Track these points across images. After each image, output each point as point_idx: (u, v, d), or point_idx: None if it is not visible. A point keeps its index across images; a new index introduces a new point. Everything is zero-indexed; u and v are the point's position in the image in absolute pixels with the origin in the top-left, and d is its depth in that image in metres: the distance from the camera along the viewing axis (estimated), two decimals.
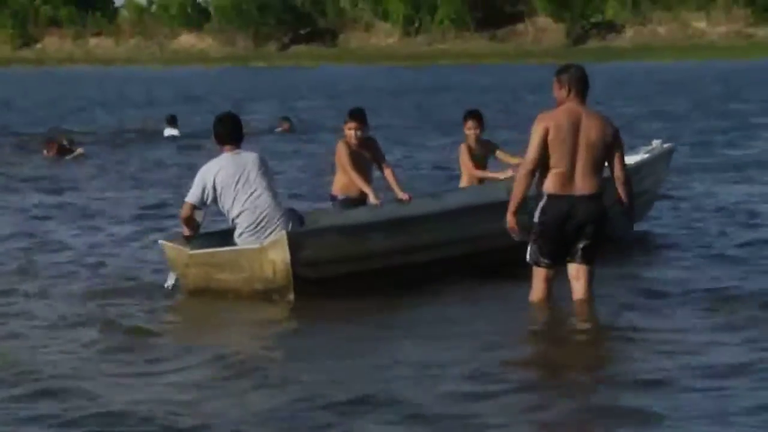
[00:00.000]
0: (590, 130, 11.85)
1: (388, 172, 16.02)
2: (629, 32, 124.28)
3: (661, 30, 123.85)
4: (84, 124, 42.66)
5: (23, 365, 11.01)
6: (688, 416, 9.34)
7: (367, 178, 15.76)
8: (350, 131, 15.70)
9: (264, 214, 13.17)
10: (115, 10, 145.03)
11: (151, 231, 18.22)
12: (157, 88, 72.51)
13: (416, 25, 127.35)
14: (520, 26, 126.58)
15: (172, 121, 36.69)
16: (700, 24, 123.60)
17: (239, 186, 13.11)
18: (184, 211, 13.31)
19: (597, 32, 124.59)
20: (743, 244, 16.64)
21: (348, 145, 15.72)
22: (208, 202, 13.28)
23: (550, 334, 12.32)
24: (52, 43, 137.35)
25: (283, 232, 12.76)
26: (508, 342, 11.83)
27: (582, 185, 11.86)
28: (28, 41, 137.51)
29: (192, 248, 13.41)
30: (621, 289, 13.55)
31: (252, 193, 13.13)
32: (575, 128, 11.78)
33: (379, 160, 15.98)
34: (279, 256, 12.62)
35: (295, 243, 12.56)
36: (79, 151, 30.67)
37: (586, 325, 12.22)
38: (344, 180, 15.75)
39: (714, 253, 16.02)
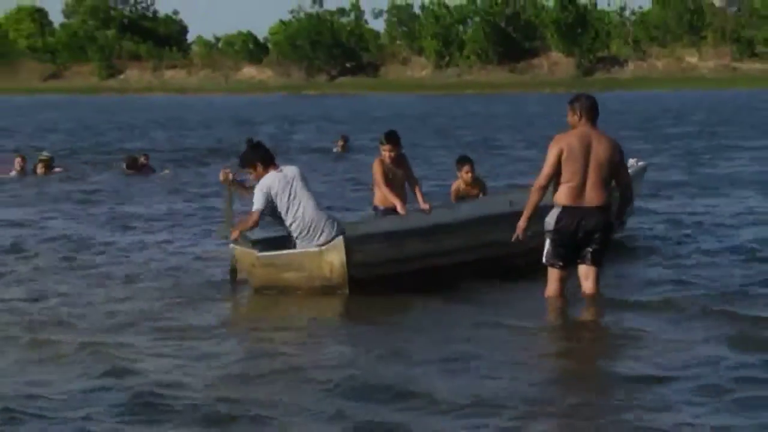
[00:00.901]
0: (600, 151, 12.00)
1: (414, 186, 16.08)
2: (630, 66, 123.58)
3: (658, 64, 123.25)
4: (163, 144, 42.52)
5: (96, 348, 11.04)
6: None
7: (399, 191, 15.84)
8: (385, 152, 15.84)
9: (311, 220, 13.28)
10: (188, 46, 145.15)
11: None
12: (223, 113, 72.43)
13: (446, 59, 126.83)
14: (535, 60, 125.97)
15: (251, 142, 36.77)
16: (692, 59, 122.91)
17: (291, 198, 13.29)
18: (254, 218, 13.31)
19: (602, 65, 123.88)
20: (707, 249, 16.54)
21: (383, 163, 15.90)
22: (267, 213, 13.32)
23: (563, 327, 12.34)
24: (134, 75, 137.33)
25: (340, 237, 12.90)
26: (526, 334, 11.78)
27: (591, 198, 12.02)
28: (113, 73, 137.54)
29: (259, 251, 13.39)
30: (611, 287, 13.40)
31: (300, 203, 13.29)
32: (587, 149, 11.95)
33: (408, 174, 16.14)
34: (336, 258, 12.77)
35: (349, 247, 12.65)
36: (166, 171, 30.97)
37: (594, 319, 12.33)
38: (381, 193, 15.93)
39: (683, 254, 16.08)
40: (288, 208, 13.34)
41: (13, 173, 30.17)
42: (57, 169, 31.02)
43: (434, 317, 12.51)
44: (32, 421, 8.94)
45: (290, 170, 13.66)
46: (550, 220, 12.17)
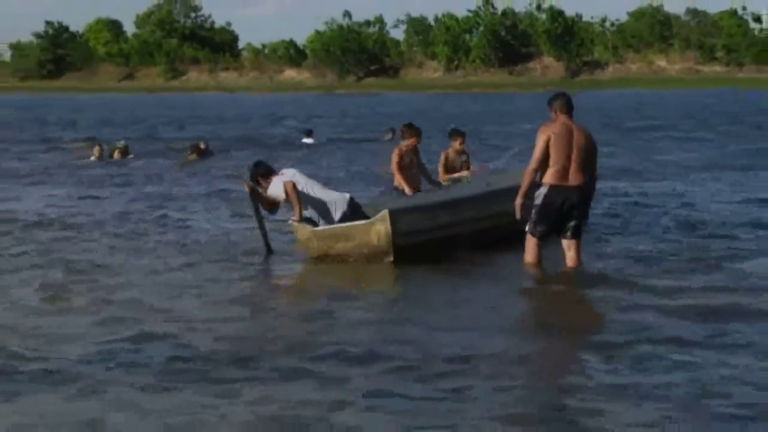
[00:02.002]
0: (580, 139, 12.10)
1: (423, 170, 16.35)
2: (610, 68, 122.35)
3: (633, 67, 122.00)
4: (220, 133, 42.18)
5: (147, 312, 10.95)
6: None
7: (412, 175, 16.14)
8: (411, 141, 16.13)
9: (324, 201, 13.59)
10: (239, 52, 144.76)
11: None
12: (270, 109, 72.39)
13: (455, 63, 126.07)
14: (530, 64, 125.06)
15: (309, 133, 37.73)
16: (662, 62, 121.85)
17: (301, 190, 13.51)
18: (290, 186, 13.31)
19: (587, 68, 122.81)
20: (660, 225, 16.37)
21: (401, 151, 16.13)
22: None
23: (543, 290, 12.28)
24: (193, 76, 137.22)
25: (386, 210, 12.90)
26: (510, 298, 11.83)
27: (574, 178, 12.08)
28: (176, 74, 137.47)
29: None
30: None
31: (312, 190, 13.64)
32: (569, 136, 12.04)
33: (418, 161, 16.34)
34: (383, 227, 12.75)
35: (393, 218, 12.68)
36: (190, 157, 30.98)
37: (579, 285, 12.15)
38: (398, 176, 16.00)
39: (638, 231, 15.82)
40: (307, 198, 13.53)
41: (93, 158, 30.52)
42: (130, 155, 31.37)
43: (435, 287, 12.34)
44: (66, 369, 8.84)
45: (288, 171, 13.93)
46: (539, 196, 12.18)
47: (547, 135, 12.09)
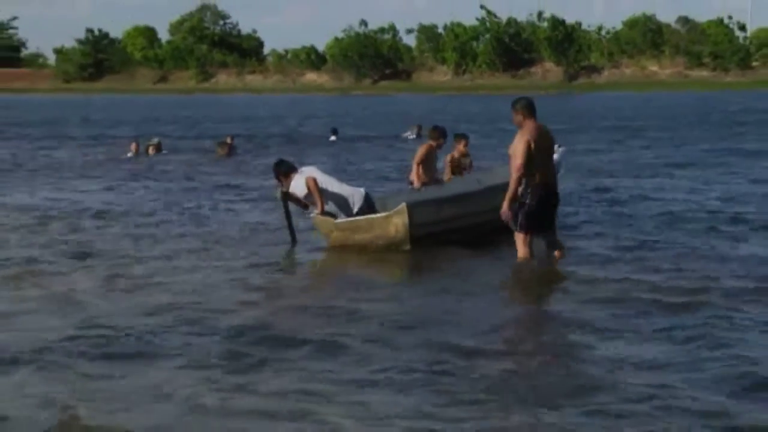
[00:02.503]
0: (547, 140, 12.05)
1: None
2: (606, 73, 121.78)
3: (627, 71, 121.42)
4: (253, 132, 41.76)
5: (181, 295, 10.89)
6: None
7: (429, 172, 16.22)
8: (437, 142, 16.26)
9: (343, 196, 13.53)
10: (264, 57, 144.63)
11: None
12: (293, 109, 72.31)
13: (463, 67, 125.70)
14: (532, 68, 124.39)
15: (335, 132, 37.83)
16: (654, 68, 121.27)
17: (325, 185, 13.51)
18: (312, 183, 13.24)
19: (584, 73, 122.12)
20: (635, 215, 16.44)
21: (429, 149, 16.23)
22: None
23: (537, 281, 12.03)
24: (222, 79, 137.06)
25: (404, 204, 12.87)
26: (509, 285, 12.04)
27: (550, 177, 12.03)
28: (206, 77, 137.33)
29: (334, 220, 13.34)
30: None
31: (330, 186, 13.58)
32: (542, 139, 11.87)
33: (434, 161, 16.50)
34: (401, 220, 12.75)
35: (410, 211, 12.72)
36: (218, 148, 31.08)
37: (560, 270, 12.13)
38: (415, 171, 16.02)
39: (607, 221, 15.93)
40: (328, 193, 13.48)
41: (130, 154, 30.74)
42: (163, 151, 31.57)
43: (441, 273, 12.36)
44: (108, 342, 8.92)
45: (307, 168, 13.90)
46: (530, 197, 11.83)
47: (527, 141, 11.71)
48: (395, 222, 12.83)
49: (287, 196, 13.73)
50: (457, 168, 17.67)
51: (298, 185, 13.50)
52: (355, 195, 13.74)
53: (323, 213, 13.33)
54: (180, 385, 7.77)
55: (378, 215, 13.27)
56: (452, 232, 13.37)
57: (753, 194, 18.95)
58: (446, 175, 17.45)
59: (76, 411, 7.10)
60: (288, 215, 13.85)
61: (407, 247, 12.84)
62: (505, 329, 9.60)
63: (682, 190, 20.05)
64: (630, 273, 11.68)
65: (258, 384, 7.77)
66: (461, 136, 18.20)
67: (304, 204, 13.82)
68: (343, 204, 13.59)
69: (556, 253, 12.33)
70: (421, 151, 16.19)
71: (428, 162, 16.17)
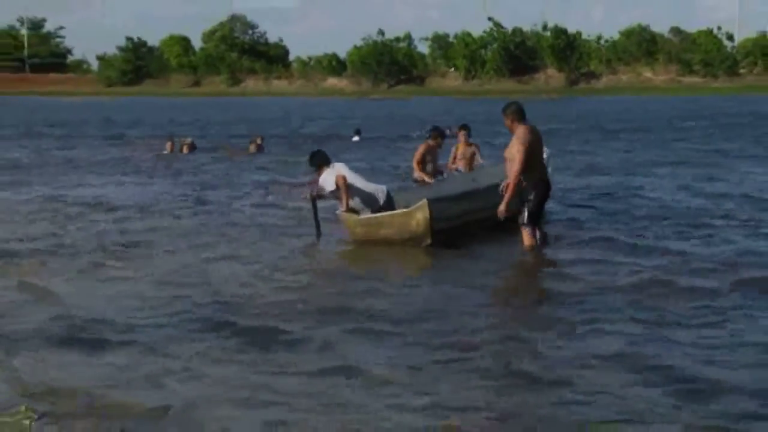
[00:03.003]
0: (539, 141, 12.21)
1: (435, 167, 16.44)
2: (604, 79, 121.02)
3: (624, 77, 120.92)
4: (270, 131, 41.11)
5: (207, 280, 10.99)
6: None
7: (431, 168, 16.23)
8: (435, 141, 16.26)
9: (367, 193, 13.38)
10: (289, 63, 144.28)
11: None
12: (317, 111, 72.30)
13: (473, 73, 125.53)
14: (536, 74, 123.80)
15: (358, 132, 37.72)
16: (648, 74, 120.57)
17: (352, 182, 13.34)
18: (341, 181, 13.11)
19: (584, 78, 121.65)
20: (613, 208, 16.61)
21: (426, 147, 16.24)
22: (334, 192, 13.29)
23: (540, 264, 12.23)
24: (251, 84, 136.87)
25: (425, 200, 12.68)
26: (518, 270, 12.25)
27: (544, 175, 12.28)
28: (236, 82, 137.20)
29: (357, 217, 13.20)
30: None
31: (356, 183, 13.39)
32: (535, 139, 12.05)
33: (435, 158, 16.49)
34: (422, 215, 12.54)
35: (431, 207, 12.53)
36: (252, 144, 31.07)
37: (545, 255, 12.38)
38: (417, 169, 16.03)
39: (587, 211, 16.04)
40: (355, 189, 13.32)
41: (166, 152, 30.91)
42: (196, 149, 31.73)
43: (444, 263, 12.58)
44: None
45: (339, 165, 13.63)
46: (533, 195, 12.09)
47: (525, 146, 11.85)
48: (417, 217, 12.65)
49: (315, 199, 13.72)
50: (462, 158, 17.57)
51: (327, 180, 13.37)
52: (378, 192, 13.63)
53: (348, 209, 13.21)
54: (210, 364, 7.85)
55: (400, 211, 13.09)
56: (464, 227, 13.30)
57: (732, 192, 18.96)
58: (448, 165, 17.49)
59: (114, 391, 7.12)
60: (315, 211, 13.76)
61: (429, 241, 12.67)
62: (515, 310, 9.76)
63: (667, 187, 20.06)
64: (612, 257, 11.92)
65: (292, 365, 7.81)
66: (462, 127, 18.05)
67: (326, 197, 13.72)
68: (367, 200, 13.48)
69: (542, 240, 12.54)
70: (419, 150, 16.20)
71: (427, 159, 16.19)
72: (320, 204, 13.86)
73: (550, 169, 13.02)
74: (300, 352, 8.17)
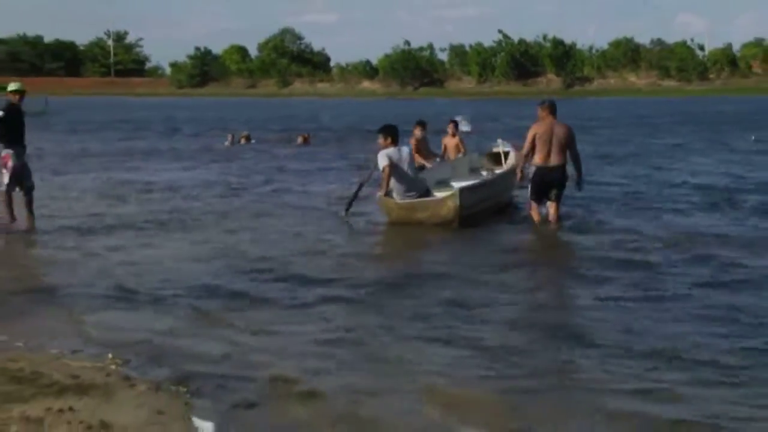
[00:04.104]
0: (559, 133, 12.22)
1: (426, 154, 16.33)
2: (595, 83, 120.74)
3: (612, 81, 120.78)
4: (324, 126, 41.20)
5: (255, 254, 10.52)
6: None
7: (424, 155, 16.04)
8: (417, 132, 16.26)
9: (408, 180, 12.94)
10: (330, 69, 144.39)
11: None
12: (353, 110, 72.33)
13: (484, 77, 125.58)
14: (538, 78, 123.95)
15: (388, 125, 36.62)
16: (633, 79, 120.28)
17: (401, 167, 12.91)
18: (386, 171, 12.73)
19: (579, 82, 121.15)
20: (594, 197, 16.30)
21: (416, 141, 16.16)
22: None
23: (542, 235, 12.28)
24: (298, 86, 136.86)
25: (457, 189, 12.49)
26: (523, 238, 12.17)
27: (554, 160, 12.21)
28: (285, 85, 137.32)
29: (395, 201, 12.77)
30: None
31: (407, 172, 12.98)
32: (550, 132, 12.17)
33: (426, 146, 16.44)
34: (453, 202, 12.24)
35: (460, 195, 12.33)
36: (300, 139, 30.90)
37: (556, 229, 12.30)
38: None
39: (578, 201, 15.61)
40: (399, 174, 12.86)
41: (227, 143, 31.02)
42: (253, 141, 31.82)
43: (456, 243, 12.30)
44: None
45: (404, 149, 13.17)
46: (532, 174, 12.34)
47: (533, 132, 12.23)
48: (449, 204, 12.37)
49: (359, 188, 13.57)
50: (451, 148, 17.53)
51: (381, 161, 12.93)
52: (417, 181, 13.23)
53: (386, 194, 12.90)
54: (254, 318, 7.80)
55: (434, 198, 12.79)
56: (480, 213, 13.11)
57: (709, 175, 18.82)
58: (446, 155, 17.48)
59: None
60: (357, 193, 13.60)
61: (456, 225, 12.32)
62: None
63: (617, 173, 19.97)
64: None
65: (326, 320, 7.72)
66: (450, 122, 18.24)
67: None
68: (410, 185, 13.03)
69: (550, 218, 12.50)
70: (412, 142, 15.88)
71: (421, 147, 16.16)
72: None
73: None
74: (338, 311, 8.05)
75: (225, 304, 8.22)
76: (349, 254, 10.76)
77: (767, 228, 12.32)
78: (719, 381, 6.07)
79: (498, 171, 15.44)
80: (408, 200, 12.79)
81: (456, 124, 17.92)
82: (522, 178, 12.71)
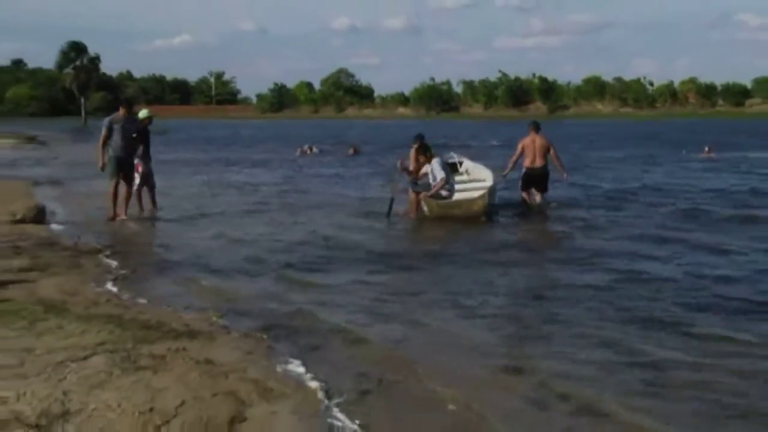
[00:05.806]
0: (540, 143, 12.48)
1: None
2: (572, 109, 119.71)
3: (585, 109, 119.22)
4: (362, 141, 40.38)
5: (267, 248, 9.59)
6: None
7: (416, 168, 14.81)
8: (414, 147, 14.51)
9: (445, 184, 12.37)
10: (374, 98, 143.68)
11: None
12: (392, 130, 71.92)
13: (489, 104, 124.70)
14: (529, 105, 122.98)
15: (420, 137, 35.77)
16: (600, 107, 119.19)
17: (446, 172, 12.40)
18: (441, 183, 11.99)
19: (559, 109, 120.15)
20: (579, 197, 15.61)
21: (413, 153, 14.85)
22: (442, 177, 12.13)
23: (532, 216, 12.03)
24: (350, 111, 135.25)
25: (486, 189, 12.02)
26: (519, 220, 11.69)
27: (537, 163, 12.47)
28: (341, 110, 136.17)
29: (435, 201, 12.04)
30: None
31: (450, 176, 12.57)
32: (533, 144, 12.46)
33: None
34: (483, 200, 11.79)
35: (487, 194, 11.98)
36: (351, 150, 30.63)
37: (542, 213, 12.24)
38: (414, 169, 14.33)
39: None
40: (438, 176, 12.16)
41: (297, 154, 31.06)
42: (316, 151, 31.80)
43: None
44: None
45: (441, 165, 12.47)
46: (523, 174, 12.69)
47: (522, 144, 12.76)
48: (479, 203, 11.82)
49: (402, 171, 12.70)
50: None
51: (436, 171, 12.17)
52: (451, 185, 12.55)
53: (432, 196, 12.07)
54: (324, 283, 7.66)
55: (467, 198, 12.12)
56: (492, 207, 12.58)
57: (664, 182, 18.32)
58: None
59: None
60: (391, 203, 12.44)
61: (483, 219, 11.66)
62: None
63: (607, 179, 19.40)
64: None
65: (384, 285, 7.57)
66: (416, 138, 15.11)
67: (417, 174, 12.49)
68: (450, 188, 12.38)
69: (536, 201, 12.72)
70: (411, 155, 14.75)
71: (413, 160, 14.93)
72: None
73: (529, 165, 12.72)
74: (382, 279, 7.89)
75: (296, 273, 8.10)
76: (393, 237, 10.61)
77: (631, 215, 12.10)
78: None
79: (493, 180, 14.70)
80: (444, 201, 12.14)
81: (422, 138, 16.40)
82: (505, 176, 13.15)
